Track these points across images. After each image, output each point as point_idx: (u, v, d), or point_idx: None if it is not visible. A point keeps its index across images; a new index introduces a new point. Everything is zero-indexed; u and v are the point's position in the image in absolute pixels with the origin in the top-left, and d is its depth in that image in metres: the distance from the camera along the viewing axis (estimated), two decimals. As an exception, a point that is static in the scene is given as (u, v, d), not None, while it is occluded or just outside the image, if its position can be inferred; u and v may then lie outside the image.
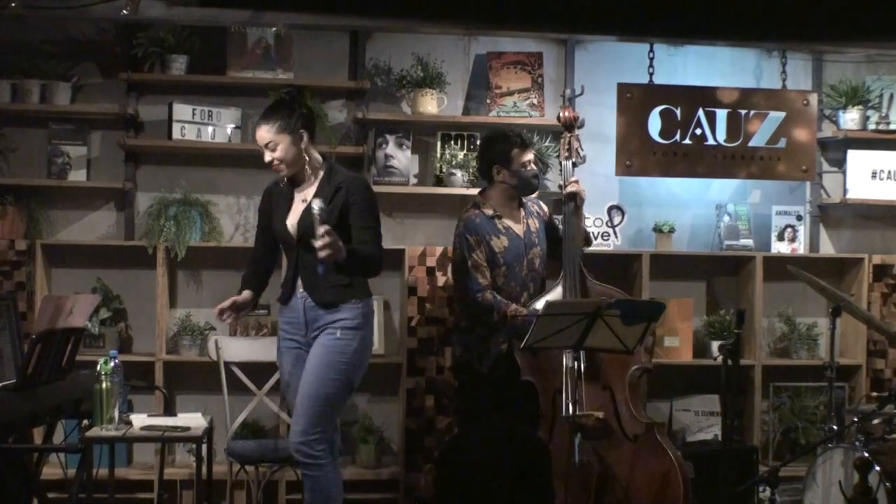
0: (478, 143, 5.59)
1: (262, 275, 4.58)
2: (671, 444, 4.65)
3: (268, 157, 4.32)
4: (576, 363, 4.40)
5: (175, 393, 5.48)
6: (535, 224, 4.91)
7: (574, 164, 4.90)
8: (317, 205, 4.13)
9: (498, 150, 4.83)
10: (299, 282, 4.35)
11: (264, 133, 4.32)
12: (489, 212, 4.82)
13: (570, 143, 4.91)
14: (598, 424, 4.49)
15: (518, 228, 4.85)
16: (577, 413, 4.41)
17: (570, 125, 4.95)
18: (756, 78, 5.95)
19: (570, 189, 4.83)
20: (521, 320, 4.58)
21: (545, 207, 5.07)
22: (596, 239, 5.57)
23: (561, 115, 4.99)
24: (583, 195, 4.86)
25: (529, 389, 4.67)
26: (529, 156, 4.85)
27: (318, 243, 4.05)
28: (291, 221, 4.34)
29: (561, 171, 4.94)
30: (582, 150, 4.94)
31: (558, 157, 5.03)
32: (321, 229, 4.06)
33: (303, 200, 4.34)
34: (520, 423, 4.62)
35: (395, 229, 5.70)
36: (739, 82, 5.87)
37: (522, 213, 4.90)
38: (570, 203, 4.83)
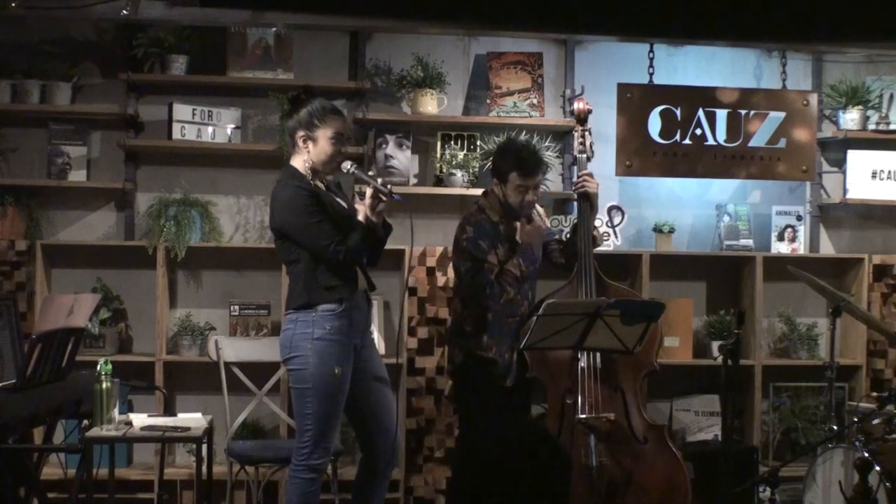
0: (477, 142, 5.61)
1: None
2: (675, 447, 4.67)
3: (343, 149, 4.20)
4: (591, 364, 4.38)
5: (175, 393, 5.48)
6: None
7: (588, 159, 4.78)
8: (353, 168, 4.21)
9: (499, 164, 4.61)
10: (360, 276, 4.21)
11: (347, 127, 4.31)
12: (494, 217, 4.62)
13: (584, 137, 4.77)
14: (610, 426, 4.49)
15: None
16: (592, 415, 4.42)
17: (585, 118, 4.82)
18: (756, 78, 5.95)
19: (586, 188, 4.67)
20: None
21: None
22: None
23: (576, 106, 4.85)
24: (596, 193, 4.72)
25: (531, 385, 4.62)
26: (529, 182, 4.53)
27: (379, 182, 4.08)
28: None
29: (576, 166, 4.80)
30: (593, 144, 4.83)
31: (571, 152, 4.90)
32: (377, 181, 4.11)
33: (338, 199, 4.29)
34: (525, 421, 4.64)
35: (396, 229, 5.67)
36: (739, 82, 5.87)
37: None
38: (586, 202, 4.68)
